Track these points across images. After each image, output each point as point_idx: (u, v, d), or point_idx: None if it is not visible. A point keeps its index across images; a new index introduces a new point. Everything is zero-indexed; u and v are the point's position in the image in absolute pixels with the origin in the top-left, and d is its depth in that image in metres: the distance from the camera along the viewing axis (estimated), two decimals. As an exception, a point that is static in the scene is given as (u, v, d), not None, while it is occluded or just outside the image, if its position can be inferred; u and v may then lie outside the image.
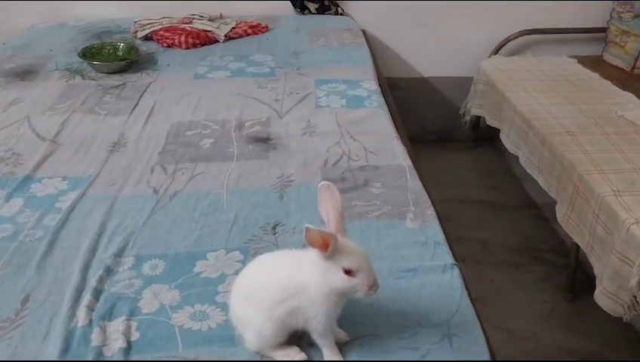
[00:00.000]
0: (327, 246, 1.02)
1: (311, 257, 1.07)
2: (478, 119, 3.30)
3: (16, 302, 1.25)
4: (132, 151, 1.87)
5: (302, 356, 1.10)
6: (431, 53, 3.38)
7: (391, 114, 2.13)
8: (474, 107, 3.18)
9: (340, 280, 1.03)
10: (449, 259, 1.36)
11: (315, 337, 1.10)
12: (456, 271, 1.32)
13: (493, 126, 2.96)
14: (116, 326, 1.18)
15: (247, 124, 2.04)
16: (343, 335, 1.15)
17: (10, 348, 1.14)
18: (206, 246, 1.42)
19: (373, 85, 2.36)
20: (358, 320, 1.18)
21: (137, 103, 2.20)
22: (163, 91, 2.31)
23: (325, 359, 1.10)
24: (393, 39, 3.35)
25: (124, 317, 1.20)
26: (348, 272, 1.03)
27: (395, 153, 1.85)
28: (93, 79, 2.42)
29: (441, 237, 1.44)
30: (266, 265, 1.13)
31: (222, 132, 1.99)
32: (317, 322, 1.06)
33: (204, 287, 1.28)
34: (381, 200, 1.60)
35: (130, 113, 2.12)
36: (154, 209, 1.57)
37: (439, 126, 3.56)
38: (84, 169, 1.76)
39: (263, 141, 1.93)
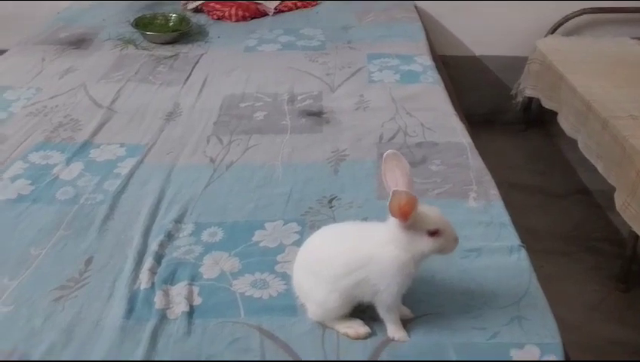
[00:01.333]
0: (406, 215, 1.01)
1: (384, 229, 1.06)
2: (530, 101, 3.19)
3: (80, 263, 1.27)
4: (186, 122, 1.88)
5: (365, 329, 1.09)
6: (483, 31, 3.26)
7: (447, 91, 2.08)
8: (528, 88, 3.07)
9: (427, 244, 1.03)
10: (515, 241, 1.32)
11: (381, 311, 1.08)
12: (523, 253, 1.28)
13: (549, 108, 2.86)
14: (178, 290, 1.19)
15: (299, 97, 2.02)
16: (407, 311, 1.13)
17: (76, 307, 1.15)
18: (263, 217, 1.41)
19: (428, 60, 2.31)
20: (422, 298, 1.16)
21: (190, 75, 2.20)
22: (214, 63, 2.30)
23: (389, 334, 1.08)
24: (444, 15, 3.26)
25: (186, 282, 1.21)
26: (433, 234, 1.03)
27: (454, 130, 1.80)
28: (146, 49, 2.43)
29: (506, 218, 1.40)
30: (331, 237, 1.11)
31: (274, 105, 1.98)
32: (387, 294, 1.05)
33: (263, 256, 1.28)
34: (441, 178, 1.56)
35: (184, 84, 2.13)
36: (211, 178, 1.57)
37: (489, 107, 3.46)
38: (141, 137, 1.77)
39: (316, 115, 1.91)
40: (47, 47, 2.41)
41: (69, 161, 1.64)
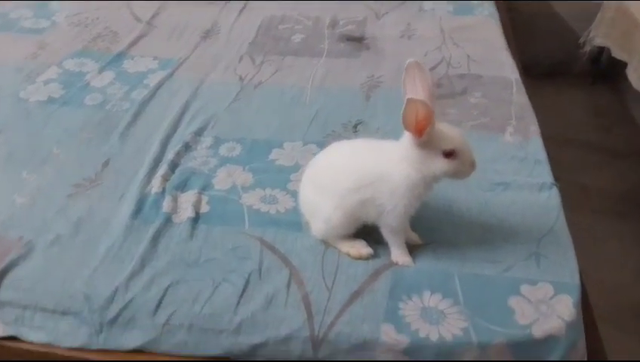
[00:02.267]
0: (422, 129, 0.93)
1: (397, 146, 0.99)
2: (600, 53, 2.94)
3: (98, 164, 1.28)
4: (223, 40, 1.84)
5: (368, 250, 1.05)
6: None
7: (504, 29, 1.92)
8: (598, 36, 2.81)
9: (442, 165, 0.96)
10: (548, 178, 1.22)
11: (386, 233, 1.03)
12: (554, 191, 1.19)
13: (619, 59, 2.62)
14: (188, 197, 1.17)
15: (341, 22, 1.93)
16: (415, 237, 1.08)
17: (88, 204, 1.17)
18: (284, 137, 1.37)
19: (487, -7, 2.14)
20: (434, 226, 1.10)
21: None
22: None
23: (393, 258, 1.03)
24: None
25: (196, 190, 1.19)
26: (448, 155, 0.95)
27: (502, 64, 1.68)
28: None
29: (542, 155, 1.30)
30: (342, 152, 1.06)
31: (314, 28, 1.90)
32: (393, 215, 0.99)
33: (277, 174, 1.24)
34: (479, 110, 1.46)
35: (225, 4, 2.07)
36: (237, 95, 1.54)
37: (555, 57, 3.22)
38: (176, 51, 1.75)
39: (357, 40, 1.82)
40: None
41: (101, 70, 1.65)
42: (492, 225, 1.10)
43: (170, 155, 1.29)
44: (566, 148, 2.76)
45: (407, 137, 0.97)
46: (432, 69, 1.66)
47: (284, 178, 1.23)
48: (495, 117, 1.44)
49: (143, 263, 1.02)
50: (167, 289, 0.98)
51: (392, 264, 1.03)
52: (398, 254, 1.03)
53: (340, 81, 1.61)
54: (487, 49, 1.77)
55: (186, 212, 1.13)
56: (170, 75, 1.63)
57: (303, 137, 1.37)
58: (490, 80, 1.60)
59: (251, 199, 1.18)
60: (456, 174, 0.98)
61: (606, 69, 2.99)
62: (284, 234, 1.09)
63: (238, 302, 0.96)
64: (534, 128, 1.40)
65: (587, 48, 2.91)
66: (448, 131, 0.97)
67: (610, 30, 2.70)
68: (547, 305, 0.95)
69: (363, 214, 1.02)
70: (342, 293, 0.98)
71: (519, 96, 1.53)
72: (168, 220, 1.12)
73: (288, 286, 0.99)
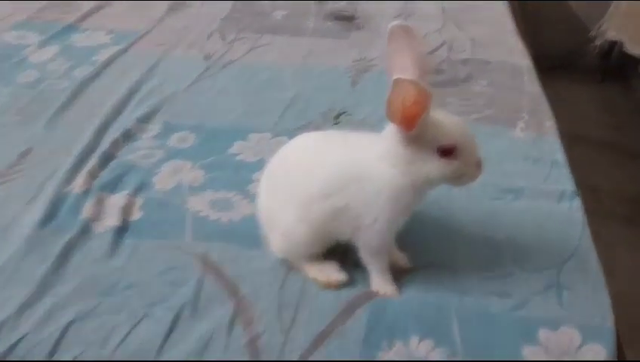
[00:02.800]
0: (412, 119, 0.69)
1: (380, 141, 0.75)
2: (611, 48, 2.70)
3: (14, 154, 1.04)
4: (193, 14, 1.60)
5: (339, 276, 0.80)
6: None
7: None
8: (611, 29, 2.59)
9: (437, 167, 0.72)
10: (569, 186, 0.98)
11: (364, 255, 0.79)
12: (577, 202, 0.95)
13: (632, 53, 2.39)
14: (117, 200, 0.93)
15: (331, -1, 1.69)
16: (402, 260, 0.84)
17: (-9, 206, 0.92)
18: (251, 126, 1.13)
19: (495, -27, 1.90)
20: (428, 245, 0.86)
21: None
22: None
23: (373, 287, 0.80)
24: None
25: (129, 191, 0.95)
26: (446, 153, 0.72)
27: (511, 49, 1.45)
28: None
29: (560, 156, 1.06)
30: (308, 147, 0.81)
31: (300, 4, 1.65)
32: (373, 231, 0.75)
33: (236, 172, 1.00)
34: (485, 100, 1.22)
35: (202, -23, 1.82)
36: (201, 75, 1.30)
37: (563, 50, 2.97)
38: (135, 25, 1.51)
39: (347, 19, 1.58)
40: None
41: (43, 44, 1.40)
42: (500, 244, 0.87)
43: (105, 146, 1.05)
44: (574, 146, 2.51)
45: (392, 130, 0.73)
46: (431, 52, 1.43)
47: (245, 177, 0.99)
48: (503, 109, 1.20)
49: (44, 288, 0.78)
50: (69, 325, 0.74)
51: (372, 295, 0.79)
52: (379, 282, 0.79)
53: (324, 62, 1.38)
54: (495, 32, 1.54)
55: (110, 219, 0.89)
56: (124, 50, 1.39)
57: (273, 127, 1.12)
58: (497, 66, 1.37)
59: (199, 204, 0.94)
60: (457, 179, 0.74)
61: (616, 66, 2.76)
62: (235, 252, 0.85)
63: (162, 346, 0.72)
64: (550, 124, 1.16)
65: (598, 42, 2.69)
66: (445, 121, 0.73)
67: (624, 22, 2.49)
68: (573, 359, 0.71)
69: (334, 229, 0.78)
70: (303, 336, 0.74)
71: (531, 86, 1.30)
72: (86, 230, 0.87)
73: (231, 325, 0.75)
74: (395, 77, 0.67)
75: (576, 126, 2.62)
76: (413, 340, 0.73)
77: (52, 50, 1.38)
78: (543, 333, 0.73)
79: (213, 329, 0.74)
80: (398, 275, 0.81)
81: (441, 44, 1.46)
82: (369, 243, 0.77)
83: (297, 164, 0.79)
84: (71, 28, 1.48)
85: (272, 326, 0.75)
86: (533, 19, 2.81)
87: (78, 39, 1.43)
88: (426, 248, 0.85)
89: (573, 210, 0.94)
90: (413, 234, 0.85)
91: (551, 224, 0.91)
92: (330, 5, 1.65)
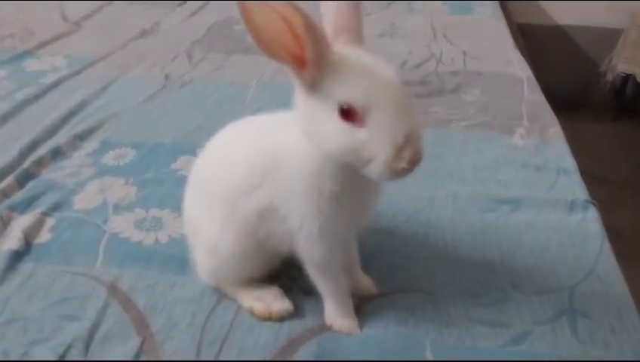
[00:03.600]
0: (303, 55, 0.49)
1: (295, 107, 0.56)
2: (623, 83, 2.56)
3: None
4: (161, 39, 1.48)
5: (283, 305, 0.62)
6: None
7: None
8: (621, 62, 2.46)
9: (334, 130, 0.50)
10: (581, 194, 0.80)
11: (312, 274, 0.61)
12: (592, 212, 0.77)
13: (644, 86, 2.24)
14: (24, 220, 0.77)
15: (311, 21, 1.57)
16: (367, 284, 0.65)
17: None
18: (201, 141, 0.96)
19: (490, -4, 1.79)
20: (399, 266, 0.68)
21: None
22: (226, -9, 1.89)
23: (326, 319, 0.61)
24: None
25: (40, 211, 0.78)
26: (347, 115, 0.50)
27: (509, 61, 1.30)
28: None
29: (570, 163, 0.89)
30: (231, 135, 0.65)
31: (278, 27, 1.53)
32: (305, 237, 0.57)
33: (175, 188, 0.84)
34: (476, 108, 1.06)
35: (178, 6, 1.73)
36: (156, 93, 1.16)
37: (572, 88, 2.82)
38: (96, 50, 1.39)
39: (328, 39, 1.45)
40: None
41: (-9, 68, 1.28)
42: (492, 265, 0.68)
43: (27, 164, 0.90)
44: (593, 185, 2.32)
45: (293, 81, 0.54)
46: (417, 66, 1.29)
47: (182, 194, 0.82)
48: (498, 115, 1.04)
49: None
50: None
51: (323, 329, 0.60)
52: (332, 311, 0.61)
53: (296, 79, 1.22)
54: (490, 45, 1.40)
55: (10, 242, 0.73)
56: (76, 72, 1.26)
57: (227, 142, 0.97)
58: (492, 76, 1.22)
59: (122, 224, 0.77)
60: (363, 160, 0.50)
61: (631, 103, 2.60)
62: (153, 278, 0.67)
63: (34, 396, 0.54)
64: (555, 131, 0.99)
65: (609, 77, 2.54)
66: (356, 66, 0.51)
67: (635, 54, 2.35)
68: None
69: (266, 237, 0.59)
70: (222, 382, 0.55)
71: (532, 95, 1.14)
72: (-25, 252, 0.71)
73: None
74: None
75: (592, 166, 2.43)
76: (372, 385, 0.53)
77: (-1, 74, 1.26)
78: (550, 374, 0.54)
79: (106, 375, 0.56)
80: (361, 303, 0.63)
81: (429, 58, 1.32)
82: (309, 255, 0.59)
83: (219, 156, 0.63)
84: (26, 54, 1.37)
85: (184, 370, 0.56)
86: (539, 58, 2.68)
87: (30, 64, 1.32)
88: (399, 270, 0.67)
89: (588, 221, 0.75)
90: (383, 253, 0.68)
91: (560, 239, 0.72)
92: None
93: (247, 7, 0.48)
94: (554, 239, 0.72)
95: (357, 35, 0.54)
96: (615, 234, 2.10)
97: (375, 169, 0.50)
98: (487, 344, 0.57)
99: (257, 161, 0.57)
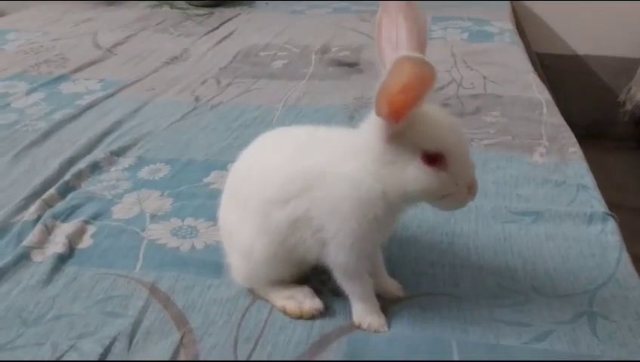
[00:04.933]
0: (402, 110, 0.55)
1: (351, 136, 0.62)
2: (644, 113, 2.57)
3: (-28, 186, 0.94)
4: (190, 66, 1.54)
5: (314, 304, 0.65)
6: (589, 26, 2.68)
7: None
8: (640, 91, 2.47)
9: (418, 175, 0.57)
10: (600, 207, 0.83)
11: (339, 278, 0.64)
12: (611, 224, 0.79)
13: (665, 116, 2.25)
14: (68, 228, 0.81)
15: (334, 49, 1.63)
16: (393, 287, 0.68)
17: None
18: (230, 157, 1.01)
19: (509, 25, 1.84)
20: (424, 271, 0.71)
21: (217, 28, 1.88)
22: (249, 21, 1.96)
23: (355, 319, 0.64)
24: (542, 5, 2.73)
25: (82, 219, 0.83)
26: (432, 160, 0.57)
27: (527, 85, 1.34)
28: (181, 8, 2.15)
29: (589, 180, 0.92)
30: (272, 143, 0.69)
31: (301, 54, 1.60)
32: (337, 246, 0.60)
33: (208, 200, 0.88)
34: (497, 129, 1.10)
35: (205, 35, 1.81)
36: (186, 115, 1.21)
37: (591, 118, 2.81)
38: (128, 75, 1.45)
39: (349, 65, 1.51)
40: (77, 2, 2.20)
41: (30, 92, 1.35)
42: (515, 271, 0.71)
43: (67, 176, 0.95)
44: (615, 215, 2.32)
45: (371, 122, 0.60)
46: (439, 89, 1.32)
47: (215, 205, 0.85)
48: (519, 135, 1.07)
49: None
50: (-24, 359, 0.60)
51: (353, 327, 0.63)
52: (360, 311, 0.64)
53: (321, 101, 1.28)
54: (509, 72, 1.43)
55: (55, 247, 0.77)
56: (111, 95, 1.32)
57: (256, 159, 1.01)
58: (511, 100, 1.25)
59: (159, 232, 0.81)
60: (441, 198, 0.58)
61: (653, 131, 2.60)
62: (190, 281, 0.71)
63: (83, 384, 0.57)
64: (575, 150, 1.02)
65: (629, 107, 2.56)
66: (440, 121, 0.58)
67: (654, 83, 2.36)
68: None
69: (298, 245, 0.63)
70: (258, 374, 0.58)
71: (552, 118, 1.17)
72: (24, 257, 0.75)
73: (173, 359, 0.60)
74: (402, 54, 0.54)
75: (614, 195, 2.43)
76: (401, 379, 0.56)
77: (37, 96, 1.33)
78: (573, 369, 0.56)
79: (149, 365, 0.59)
80: (388, 305, 0.66)
81: (450, 82, 1.36)
82: (337, 262, 0.62)
83: (257, 164, 0.67)
84: (62, 78, 1.44)
85: (222, 363, 0.59)
86: (559, 89, 2.71)
87: (66, 87, 1.38)
88: (424, 276, 0.70)
89: (607, 232, 0.78)
90: (409, 260, 0.71)
91: (579, 248, 0.75)
92: (333, 55, 1.59)
93: (407, 62, 0.53)
94: (574, 248, 0.74)
95: None
96: (636, 262, 2.09)
97: (449, 203, 0.59)
98: (510, 341, 0.59)
99: (298, 173, 0.61)
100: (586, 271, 0.70)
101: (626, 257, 0.72)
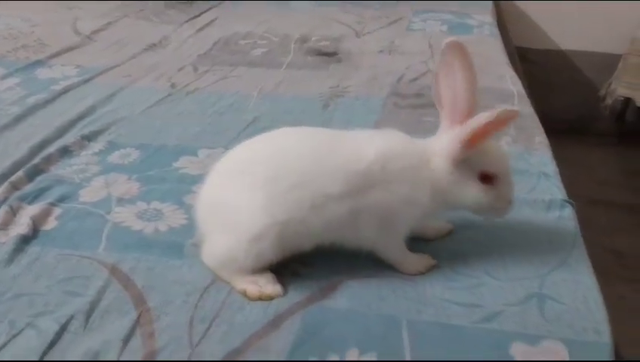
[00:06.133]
0: (478, 142, 0.67)
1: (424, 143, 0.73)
2: (624, 108, 2.58)
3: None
4: (169, 52, 1.55)
5: (275, 288, 0.66)
6: (573, 22, 2.70)
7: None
8: (621, 86, 2.49)
9: (476, 193, 0.69)
10: (559, 194, 0.85)
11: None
12: (568, 211, 0.81)
13: (644, 108, 2.27)
14: (32, 210, 0.82)
15: (313, 38, 1.64)
16: (441, 225, 0.78)
17: None
18: (203, 143, 1.03)
19: (489, 18, 1.85)
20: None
21: (198, 16, 1.88)
22: (232, 10, 1.96)
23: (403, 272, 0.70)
24: (527, 2, 2.74)
25: (48, 201, 0.83)
26: (487, 179, 0.70)
27: (501, 76, 1.36)
28: (165, -1, 2.14)
29: (551, 168, 0.94)
30: (317, 136, 0.73)
31: (281, 44, 1.60)
32: (376, 240, 0.70)
33: (176, 184, 0.89)
34: (466, 118, 1.11)
35: (186, 22, 1.81)
36: (161, 100, 1.22)
37: (574, 113, 2.83)
38: (106, 61, 1.45)
39: (328, 55, 1.51)
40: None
41: (5, 76, 1.35)
42: (469, 256, 0.72)
43: (37, 160, 0.95)
44: (595, 209, 2.35)
45: (445, 145, 0.70)
46: (414, 80, 1.34)
47: (183, 189, 0.87)
48: (488, 126, 1.08)
49: None
50: None
51: (307, 302, 0.64)
52: (408, 266, 0.71)
53: (296, 90, 1.29)
54: (484, 64, 1.43)
55: (19, 228, 0.77)
56: (86, 81, 1.32)
57: (227, 144, 1.01)
58: (484, 90, 1.25)
59: (124, 215, 0.82)
60: (488, 209, 0.71)
61: (632, 127, 2.63)
62: (152, 262, 0.71)
63: (40, 360, 0.58)
64: (541, 140, 1.04)
65: (609, 101, 2.59)
66: (493, 148, 0.71)
67: (634, 78, 2.39)
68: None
69: (334, 233, 0.69)
70: (212, 352, 0.59)
71: (522, 108, 1.18)
72: (-14, 237, 0.75)
73: (128, 337, 0.61)
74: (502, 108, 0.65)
75: (594, 189, 2.46)
76: (352, 353, 0.57)
77: (12, 81, 1.32)
78: (517, 348, 0.57)
79: (105, 342, 0.60)
80: (346, 280, 0.67)
81: (425, 73, 1.37)
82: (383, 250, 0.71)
83: (295, 158, 0.68)
84: (38, 63, 1.43)
85: (177, 341, 0.60)
86: (541, 83, 2.73)
87: (43, 72, 1.38)
88: (379, 257, 0.71)
89: (565, 218, 0.79)
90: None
91: (536, 234, 0.76)
92: (311, 44, 1.60)
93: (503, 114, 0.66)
94: (530, 234, 0.76)
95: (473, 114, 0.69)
96: (616, 256, 2.12)
97: (493, 214, 0.72)
98: (460, 321, 0.61)
99: (360, 168, 0.67)
100: (540, 255, 0.71)
101: (580, 243, 0.74)
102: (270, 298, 0.65)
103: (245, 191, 0.67)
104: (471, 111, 0.68)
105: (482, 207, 0.70)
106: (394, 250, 0.70)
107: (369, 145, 0.68)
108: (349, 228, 0.67)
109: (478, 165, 0.69)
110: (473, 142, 0.67)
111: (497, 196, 0.69)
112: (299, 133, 0.74)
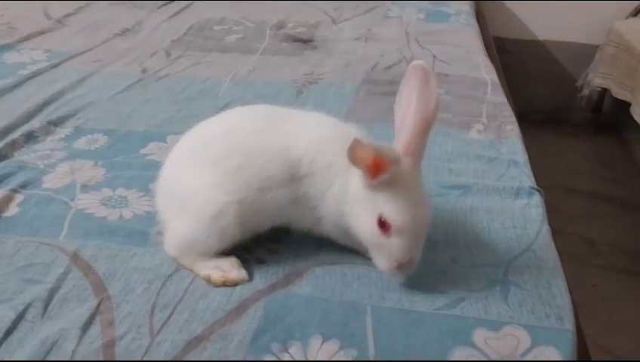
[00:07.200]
0: (378, 170, 0.61)
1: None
2: (600, 100, 2.61)
3: None
4: (142, 38, 1.52)
5: (240, 273, 0.66)
6: (551, 11, 2.71)
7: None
8: (597, 77, 2.50)
9: (367, 228, 0.64)
10: (528, 182, 0.85)
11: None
12: (536, 198, 0.81)
13: (621, 98, 2.30)
14: (-6, 196, 0.80)
15: (289, 25, 1.62)
16: None
17: None
18: (172, 129, 1.01)
19: (467, 7, 1.85)
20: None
21: (173, 0, 1.84)
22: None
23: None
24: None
25: (10, 187, 0.81)
26: (383, 225, 0.62)
27: (476, 65, 1.35)
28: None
29: (521, 157, 0.94)
30: (248, 116, 0.73)
31: (256, 30, 1.58)
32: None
33: (142, 170, 0.87)
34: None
35: (160, 7, 1.77)
36: (131, 86, 1.19)
37: (551, 104, 2.85)
38: (77, 46, 1.42)
39: (303, 41, 1.50)
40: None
41: (-31, 61, 1.31)
42: (435, 243, 0.71)
43: (0, 146, 0.93)
44: (569, 198, 2.38)
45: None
46: (388, 68, 1.34)
47: (150, 176, 0.85)
48: (459, 113, 1.09)
49: None
50: None
51: (270, 290, 0.63)
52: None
53: (269, 76, 1.27)
54: (459, 52, 1.45)
55: (-21, 214, 0.75)
56: (55, 65, 1.29)
57: (196, 130, 1.00)
58: (458, 79, 1.27)
59: (88, 201, 0.80)
60: (374, 255, 0.65)
61: (608, 118, 2.66)
62: (115, 249, 0.70)
63: (-6, 349, 0.57)
64: (512, 128, 1.04)
65: (585, 92, 2.60)
66: (408, 196, 0.63)
67: (610, 70, 2.41)
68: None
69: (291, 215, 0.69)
70: (172, 340, 0.58)
71: (495, 96, 1.19)
72: (-56, 225, 0.73)
73: (87, 325, 0.59)
74: (355, 139, 0.59)
75: (570, 179, 2.49)
76: (315, 341, 0.57)
77: (-22, 65, 1.29)
78: (479, 334, 0.58)
79: (64, 329, 0.59)
80: (312, 267, 0.67)
81: (400, 60, 1.37)
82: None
83: (241, 138, 0.67)
84: (6, 47, 1.40)
85: (137, 329, 0.59)
86: (518, 73, 2.74)
87: (10, 57, 1.35)
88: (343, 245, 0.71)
89: (532, 206, 0.80)
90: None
91: (502, 220, 0.76)
92: (287, 30, 1.58)
93: (360, 148, 0.60)
94: (496, 221, 0.76)
95: (419, 157, 0.65)
96: (589, 245, 2.14)
97: (378, 264, 0.64)
98: (424, 307, 0.61)
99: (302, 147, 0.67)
100: (505, 242, 0.72)
101: (545, 230, 0.74)
102: (235, 283, 0.65)
103: (198, 171, 0.67)
104: (414, 140, 0.64)
105: (372, 250, 0.65)
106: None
107: (305, 134, 0.68)
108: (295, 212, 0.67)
109: (380, 205, 0.63)
110: (371, 173, 0.62)
111: (388, 250, 0.63)
112: (249, 113, 0.73)
